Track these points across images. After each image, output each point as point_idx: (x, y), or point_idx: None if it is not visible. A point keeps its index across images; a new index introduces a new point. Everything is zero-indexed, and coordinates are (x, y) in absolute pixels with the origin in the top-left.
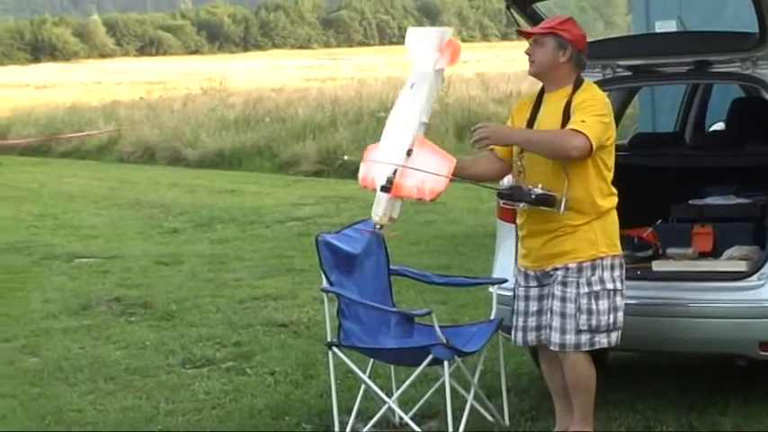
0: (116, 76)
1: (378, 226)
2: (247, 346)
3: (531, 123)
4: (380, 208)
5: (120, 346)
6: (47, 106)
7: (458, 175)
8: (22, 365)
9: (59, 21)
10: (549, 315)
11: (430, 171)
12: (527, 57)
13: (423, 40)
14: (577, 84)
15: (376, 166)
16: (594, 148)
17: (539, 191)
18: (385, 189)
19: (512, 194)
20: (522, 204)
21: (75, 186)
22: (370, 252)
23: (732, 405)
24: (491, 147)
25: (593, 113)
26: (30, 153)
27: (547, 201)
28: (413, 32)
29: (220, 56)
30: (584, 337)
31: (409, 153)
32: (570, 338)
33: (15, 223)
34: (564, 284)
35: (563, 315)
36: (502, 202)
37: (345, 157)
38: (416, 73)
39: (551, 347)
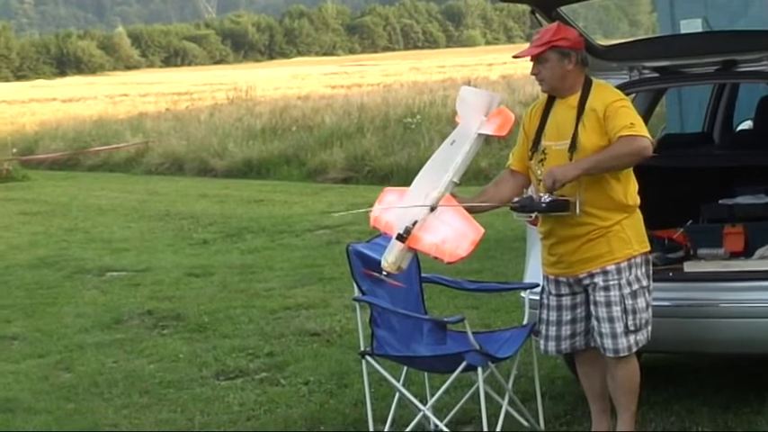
0: (142, 87)
1: (385, 272)
2: (280, 356)
3: (540, 130)
4: (392, 255)
5: (154, 359)
6: (74, 120)
7: (483, 209)
8: (57, 381)
9: (84, 34)
10: (596, 323)
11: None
12: (535, 77)
13: (472, 102)
14: (587, 85)
15: (393, 210)
16: None
17: (548, 198)
18: (401, 238)
19: (524, 206)
20: (534, 214)
21: (104, 199)
22: None
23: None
24: (508, 165)
25: (633, 114)
26: (58, 167)
27: (560, 206)
28: (464, 92)
29: (245, 65)
30: (632, 338)
31: (433, 209)
32: (623, 342)
33: (46, 238)
34: (606, 289)
35: (611, 320)
36: (516, 215)
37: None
38: (460, 131)
39: (607, 354)
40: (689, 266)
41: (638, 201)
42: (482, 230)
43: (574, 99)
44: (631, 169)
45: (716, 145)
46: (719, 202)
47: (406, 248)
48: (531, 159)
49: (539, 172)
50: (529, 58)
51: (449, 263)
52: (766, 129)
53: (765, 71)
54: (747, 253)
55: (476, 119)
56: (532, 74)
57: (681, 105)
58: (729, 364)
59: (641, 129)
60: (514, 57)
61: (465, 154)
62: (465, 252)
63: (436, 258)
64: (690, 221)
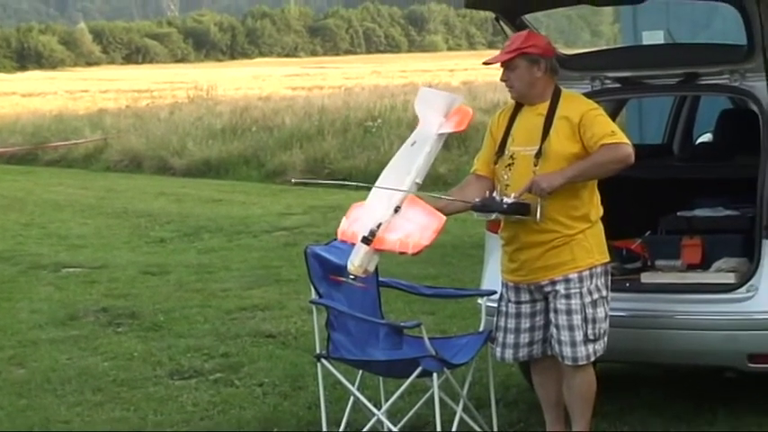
0: (102, 84)
1: (351, 276)
2: (235, 357)
3: (505, 137)
4: (357, 258)
5: (108, 357)
6: (33, 114)
7: (451, 212)
8: (9, 377)
9: (46, 28)
10: (555, 330)
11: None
12: (504, 83)
13: (431, 103)
14: (556, 94)
15: (359, 219)
16: None
17: (510, 200)
18: (366, 241)
19: (485, 206)
20: (494, 215)
21: (61, 195)
22: None
23: (720, 416)
24: (474, 169)
25: (610, 122)
26: (16, 162)
27: (520, 209)
28: (423, 93)
29: (207, 64)
30: (591, 347)
31: (397, 210)
32: (582, 350)
33: (1, 232)
34: (567, 297)
35: (571, 328)
36: (476, 215)
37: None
38: (420, 132)
39: (565, 362)
40: (646, 277)
41: (601, 211)
42: (443, 218)
43: (543, 107)
44: (596, 181)
45: (676, 157)
46: (678, 213)
47: (372, 251)
48: (496, 164)
49: (505, 177)
50: (499, 64)
51: (413, 254)
52: (726, 142)
53: (726, 84)
54: (704, 265)
55: (436, 119)
56: (502, 80)
57: (641, 116)
58: (683, 376)
59: (622, 136)
60: (485, 63)
61: (426, 155)
62: (428, 241)
63: (401, 253)
64: (648, 232)
